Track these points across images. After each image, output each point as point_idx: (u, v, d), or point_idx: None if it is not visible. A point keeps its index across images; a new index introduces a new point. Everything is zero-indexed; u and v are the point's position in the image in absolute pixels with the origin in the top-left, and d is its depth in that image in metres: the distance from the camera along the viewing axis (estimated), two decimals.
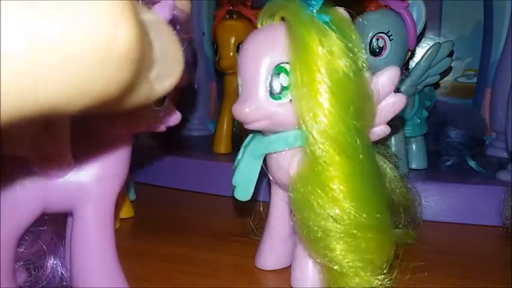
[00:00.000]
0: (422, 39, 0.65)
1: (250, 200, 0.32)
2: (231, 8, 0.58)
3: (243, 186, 0.32)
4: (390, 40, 0.45)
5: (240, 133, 0.60)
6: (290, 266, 0.33)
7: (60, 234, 0.30)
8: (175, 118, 0.30)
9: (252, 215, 0.38)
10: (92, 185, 0.27)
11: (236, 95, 0.63)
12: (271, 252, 0.35)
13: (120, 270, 0.28)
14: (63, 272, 0.30)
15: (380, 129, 0.30)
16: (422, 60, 0.49)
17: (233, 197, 0.33)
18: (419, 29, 0.48)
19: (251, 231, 0.38)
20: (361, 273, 0.27)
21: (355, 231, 0.26)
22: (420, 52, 0.61)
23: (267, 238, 0.35)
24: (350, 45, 0.27)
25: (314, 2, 0.27)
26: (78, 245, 0.27)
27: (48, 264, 0.29)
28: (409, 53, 0.49)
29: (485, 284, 0.33)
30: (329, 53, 0.26)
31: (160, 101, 0.28)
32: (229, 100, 0.61)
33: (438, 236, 0.43)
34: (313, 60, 0.26)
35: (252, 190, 0.32)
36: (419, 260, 0.32)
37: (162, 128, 0.30)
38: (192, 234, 0.42)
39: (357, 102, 0.27)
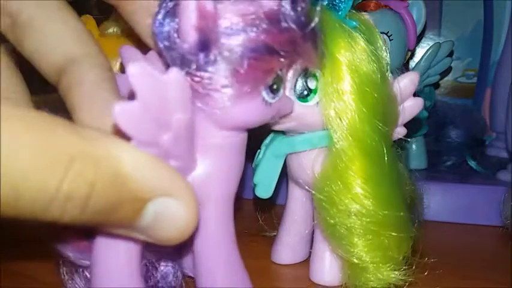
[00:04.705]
0: (422, 39, 0.65)
1: (252, 199, 0.32)
2: None
3: (265, 185, 0.32)
4: (390, 40, 0.45)
5: None
6: (303, 261, 0.34)
7: None
8: None
9: (259, 212, 0.38)
10: (211, 184, 0.25)
11: None
12: (289, 247, 0.35)
13: (243, 269, 0.27)
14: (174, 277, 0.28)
15: (398, 131, 0.31)
16: (422, 60, 0.49)
17: (254, 195, 0.33)
18: (419, 29, 0.48)
19: (257, 229, 0.38)
20: (382, 269, 0.28)
21: (376, 229, 0.27)
22: (420, 52, 0.61)
23: (284, 233, 0.35)
24: (376, 50, 0.28)
25: (342, 7, 0.28)
26: (201, 247, 0.26)
27: (160, 269, 0.28)
28: (409, 53, 0.49)
29: (485, 284, 0.33)
30: (357, 57, 0.27)
31: None
32: None
33: (438, 236, 0.43)
34: (341, 63, 0.27)
35: (273, 188, 0.32)
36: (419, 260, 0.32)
37: None
38: None
39: (382, 105, 0.28)
